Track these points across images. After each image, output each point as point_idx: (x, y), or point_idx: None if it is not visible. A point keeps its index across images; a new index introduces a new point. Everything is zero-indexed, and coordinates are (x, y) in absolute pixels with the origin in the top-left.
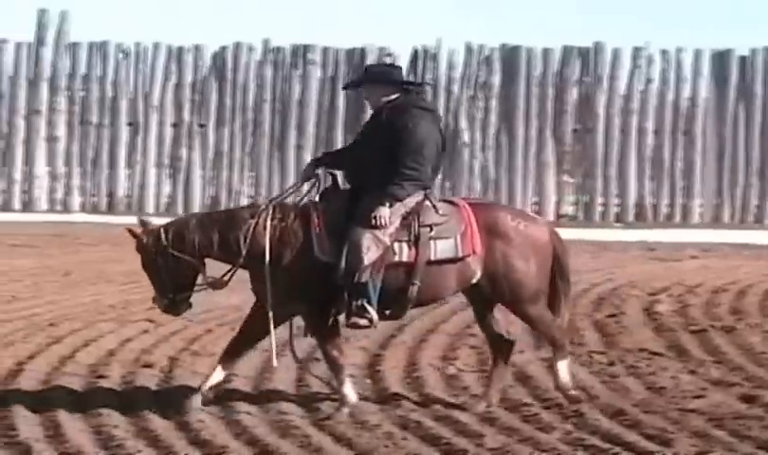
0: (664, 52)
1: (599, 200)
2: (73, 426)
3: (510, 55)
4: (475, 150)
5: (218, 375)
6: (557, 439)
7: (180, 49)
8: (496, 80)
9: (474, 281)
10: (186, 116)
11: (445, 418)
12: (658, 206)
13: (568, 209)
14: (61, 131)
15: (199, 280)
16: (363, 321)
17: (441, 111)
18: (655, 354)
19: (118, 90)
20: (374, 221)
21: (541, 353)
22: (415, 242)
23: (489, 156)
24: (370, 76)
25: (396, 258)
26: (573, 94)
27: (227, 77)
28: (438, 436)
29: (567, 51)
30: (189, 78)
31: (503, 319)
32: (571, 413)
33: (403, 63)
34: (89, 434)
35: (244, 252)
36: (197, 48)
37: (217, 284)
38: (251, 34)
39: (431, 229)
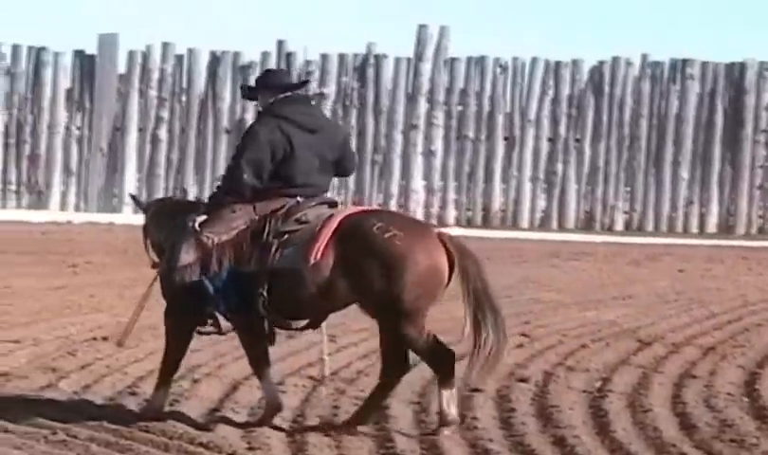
0: None
1: None
2: (449, 438)
3: None
4: None
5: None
6: None
7: (558, 64)
8: None
9: (333, 292)
10: (562, 130)
11: None
12: None
13: None
14: (438, 145)
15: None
16: (208, 328)
17: None
18: None
19: (494, 105)
20: (189, 224)
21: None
22: (267, 248)
23: None
24: (258, 81)
25: (249, 265)
26: None
27: (604, 91)
28: None
29: None
30: (566, 92)
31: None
32: None
33: None
34: (465, 447)
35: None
36: (574, 63)
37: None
38: (629, 49)
39: (284, 236)
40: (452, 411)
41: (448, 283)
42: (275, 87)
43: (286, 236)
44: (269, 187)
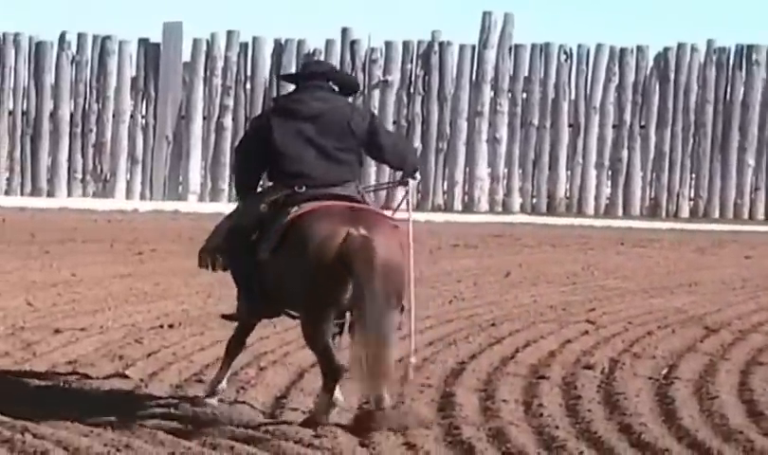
0: None
1: None
2: (516, 426)
3: None
4: None
5: None
6: None
7: (623, 50)
8: None
9: (282, 288)
10: (627, 117)
11: None
12: None
13: None
14: (502, 132)
15: None
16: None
17: None
18: None
19: (559, 92)
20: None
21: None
22: (258, 239)
23: None
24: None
25: (252, 254)
26: None
27: (669, 78)
28: None
29: None
30: (631, 79)
31: None
32: None
33: None
34: (531, 434)
35: None
36: (639, 49)
37: None
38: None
39: (266, 227)
40: (321, 416)
41: (346, 285)
42: (297, 77)
43: (268, 227)
44: (274, 178)
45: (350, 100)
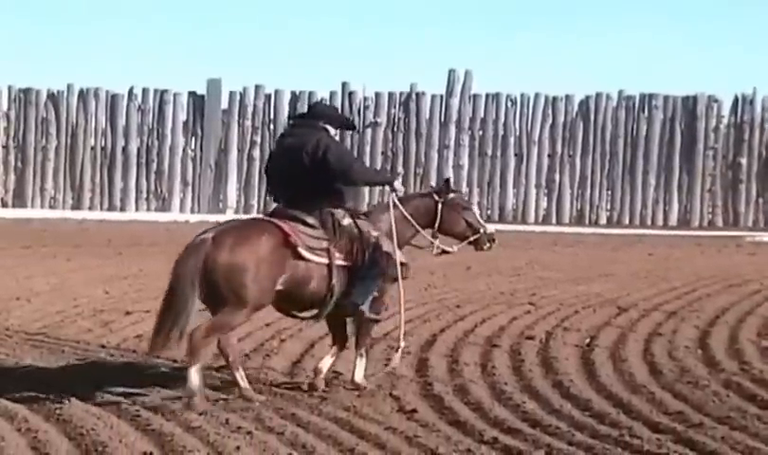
0: None
1: None
2: (475, 383)
3: None
4: None
5: None
6: None
7: (555, 98)
8: None
9: None
10: (559, 148)
11: (760, 381)
12: None
13: None
14: (464, 161)
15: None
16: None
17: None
18: None
19: (507, 130)
20: None
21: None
22: None
23: None
24: None
25: None
26: None
27: (590, 118)
28: (755, 393)
29: None
30: (561, 119)
31: None
32: None
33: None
34: (486, 389)
35: None
36: (567, 97)
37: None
38: (609, 84)
39: None
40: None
41: (200, 287)
42: (294, 117)
43: None
44: None
45: (332, 134)
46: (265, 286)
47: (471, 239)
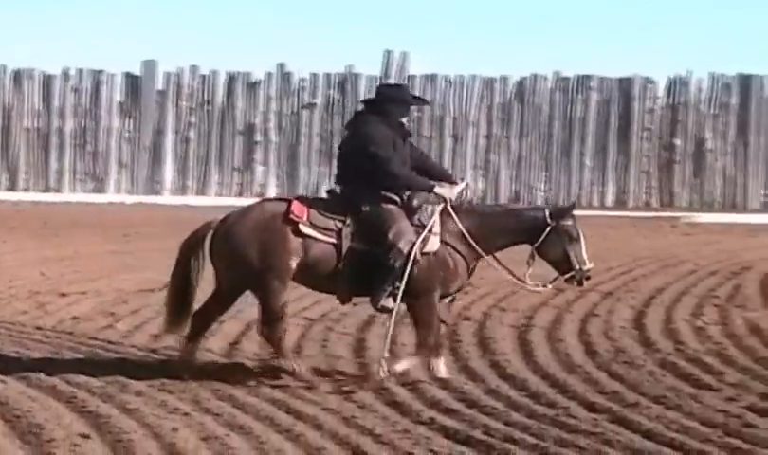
0: None
1: None
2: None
3: (745, 81)
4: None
5: None
6: None
7: (491, 79)
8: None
9: None
10: (495, 130)
11: (695, 360)
12: None
13: None
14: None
15: None
16: None
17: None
18: None
19: (444, 111)
20: None
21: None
22: None
23: (728, 160)
24: None
25: None
26: None
27: (525, 100)
28: (690, 373)
29: None
30: (497, 101)
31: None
32: None
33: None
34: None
35: None
36: (503, 78)
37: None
38: (545, 66)
39: None
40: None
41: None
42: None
43: None
44: None
45: (399, 119)
46: (271, 260)
47: (567, 276)
